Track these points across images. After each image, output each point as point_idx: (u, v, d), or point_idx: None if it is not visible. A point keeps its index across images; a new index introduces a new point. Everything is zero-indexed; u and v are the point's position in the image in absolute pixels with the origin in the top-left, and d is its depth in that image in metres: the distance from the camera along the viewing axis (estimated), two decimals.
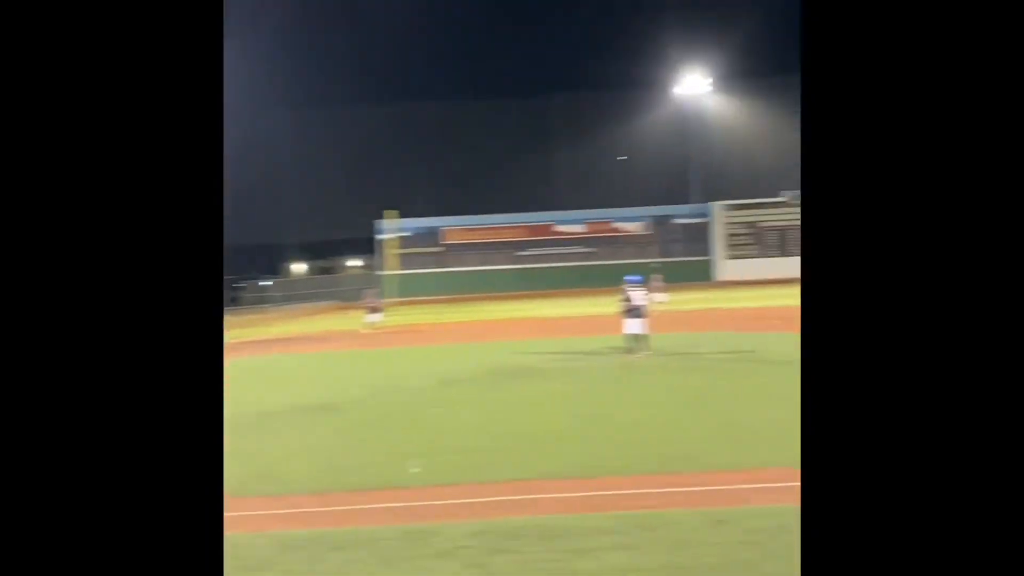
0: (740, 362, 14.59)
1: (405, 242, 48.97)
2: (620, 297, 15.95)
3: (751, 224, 52.38)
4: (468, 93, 55.40)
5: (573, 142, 56.63)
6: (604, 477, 7.08)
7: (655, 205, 53.06)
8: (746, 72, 53.30)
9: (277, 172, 54.13)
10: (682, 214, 53.79)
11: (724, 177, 53.64)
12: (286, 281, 59.78)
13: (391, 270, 47.02)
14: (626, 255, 50.15)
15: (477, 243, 53.11)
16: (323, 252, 63.32)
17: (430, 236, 51.87)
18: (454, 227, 52.87)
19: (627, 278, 16.09)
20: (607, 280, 32.84)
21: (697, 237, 53.09)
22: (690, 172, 56.57)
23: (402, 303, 40.61)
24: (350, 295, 41.47)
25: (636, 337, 15.51)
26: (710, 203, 53.36)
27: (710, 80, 54.67)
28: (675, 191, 55.33)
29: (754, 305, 29.05)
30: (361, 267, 59.92)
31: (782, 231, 51.98)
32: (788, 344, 16.88)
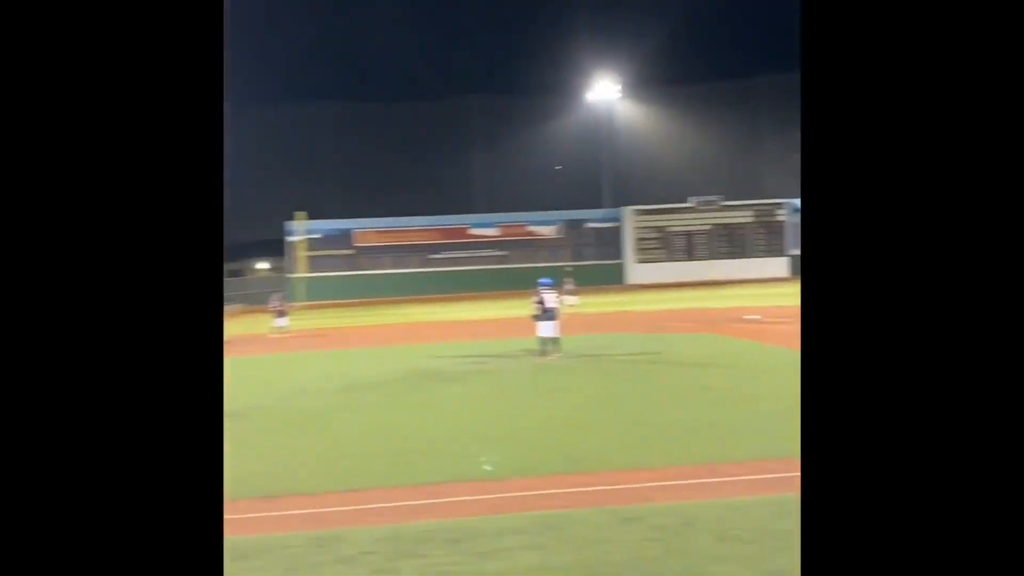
0: (648, 363, 14.90)
1: (315, 244, 48.03)
2: (533, 300, 16.07)
3: (660, 229, 53.70)
4: (380, 93, 54.77)
5: (487, 145, 56.78)
6: (514, 479, 7.09)
7: (568, 209, 53.75)
8: (655, 80, 54.70)
9: None
10: (594, 218, 54.66)
11: (635, 182, 54.83)
12: None
13: (300, 273, 46.03)
14: (539, 258, 50.59)
15: (390, 246, 52.55)
16: (230, 254, 61.48)
17: (341, 238, 51.02)
18: (366, 229, 52.17)
19: (540, 281, 16.22)
20: (520, 283, 33.08)
21: (609, 241, 54.03)
22: (602, 177, 57.59)
23: (312, 307, 39.82)
24: (257, 298, 40.36)
25: (548, 339, 15.65)
26: (621, 208, 54.44)
27: (619, 87, 55.83)
28: (588, 196, 56.21)
29: (662, 308, 29.80)
30: (269, 270, 58.41)
31: (689, 235, 53.51)
32: (694, 345, 17.37)
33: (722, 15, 53.28)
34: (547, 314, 15.61)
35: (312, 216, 45.27)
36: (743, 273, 49.99)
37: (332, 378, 14.53)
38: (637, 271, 52.73)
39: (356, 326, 29.11)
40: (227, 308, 44.10)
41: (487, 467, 7.47)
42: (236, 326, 31.50)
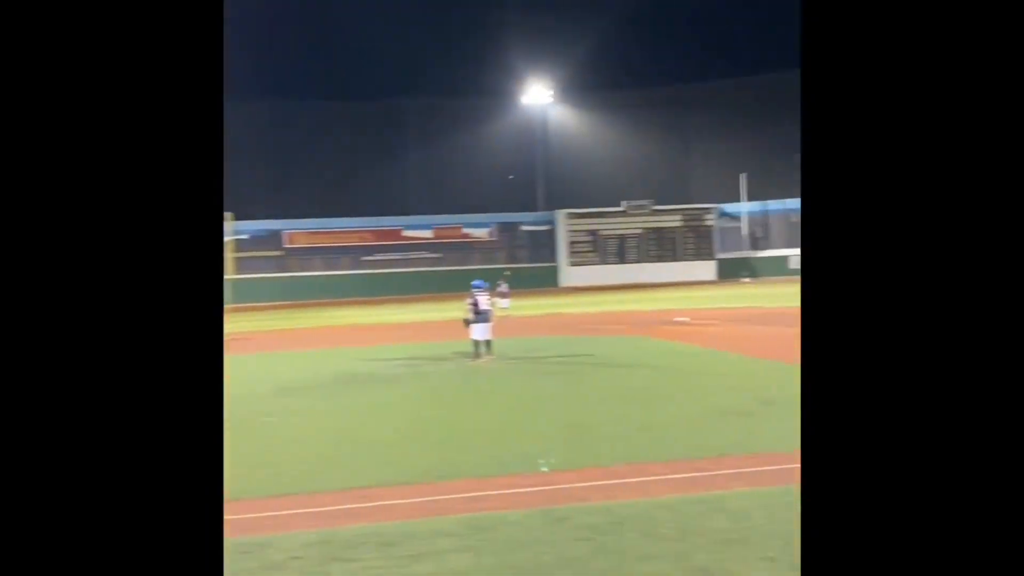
0: (579, 365, 15.05)
1: (242, 245, 46.88)
2: (466, 302, 16.05)
3: (593, 232, 54.36)
4: (310, 92, 53.79)
5: (421, 146, 56.39)
6: (445, 481, 7.06)
7: (503, 212, 53.89)
8: (587, 85, 55.30)
9: None
10: (528, 221, 54.98)
11: (568, 185, 55.30)
12: None
13: (226, 275, 44.91)
14: (473, 261, 50.62)
15: (321, 247, 51.81)
16: None
17: (271, 239, 50.03)
18: (297, 231, 51.29)
19: (473, 284, 16.22)
20: (454, 286, 32.97)
21: (542, 244, 54.43)
22: (536, 180, 57.92)
23: (239, 309, 38.81)
24: None
25: (482, 342, 15.67)
26: (555, 211, 54.85)
27: (551, 92, 56.30)
28: (522, 198, 56.42)
29: (594, 310, 30.17)
30: None
31: (621, 239, 54.31)
32: (624, 347, 17.63)
33: (655, 21, 54.27)
34: (480, 316, 15.63)
35: (239, 217, 44.18)
36: (673, 276, 51.03)
37: (261, 382, 14.21)
38: (571, 274, 53.25)
39: (286, 329, 28.56)
40: None
41: (544, 468, 7.27)
42: None
